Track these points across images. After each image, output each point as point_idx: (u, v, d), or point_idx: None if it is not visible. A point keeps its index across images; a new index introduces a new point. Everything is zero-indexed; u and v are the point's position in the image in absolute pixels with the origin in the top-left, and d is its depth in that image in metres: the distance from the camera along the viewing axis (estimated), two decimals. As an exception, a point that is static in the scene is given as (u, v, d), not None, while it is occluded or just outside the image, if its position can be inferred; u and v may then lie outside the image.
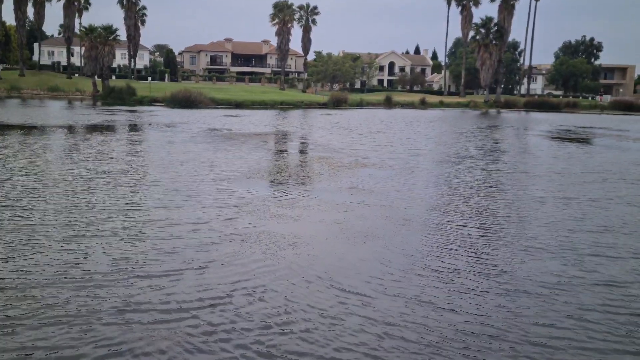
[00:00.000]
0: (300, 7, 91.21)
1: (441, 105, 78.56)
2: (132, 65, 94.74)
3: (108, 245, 8.68)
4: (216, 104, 59.88)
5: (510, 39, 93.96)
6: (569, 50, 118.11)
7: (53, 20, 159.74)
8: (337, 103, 69.69)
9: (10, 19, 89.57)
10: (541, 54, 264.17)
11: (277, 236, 9.57)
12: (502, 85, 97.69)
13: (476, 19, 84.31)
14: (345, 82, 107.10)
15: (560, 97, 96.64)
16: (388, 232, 10.17)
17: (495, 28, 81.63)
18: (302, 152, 23.74)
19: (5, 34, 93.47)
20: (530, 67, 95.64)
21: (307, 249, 8.93)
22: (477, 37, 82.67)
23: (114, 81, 72.80)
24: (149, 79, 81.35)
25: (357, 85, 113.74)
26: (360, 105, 72.04)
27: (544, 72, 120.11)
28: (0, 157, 17.62)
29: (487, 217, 11.79)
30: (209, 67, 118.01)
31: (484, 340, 6.01)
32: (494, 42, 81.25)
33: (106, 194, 12.58)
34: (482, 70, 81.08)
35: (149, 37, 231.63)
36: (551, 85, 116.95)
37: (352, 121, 43.02)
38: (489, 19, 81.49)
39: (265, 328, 6.09)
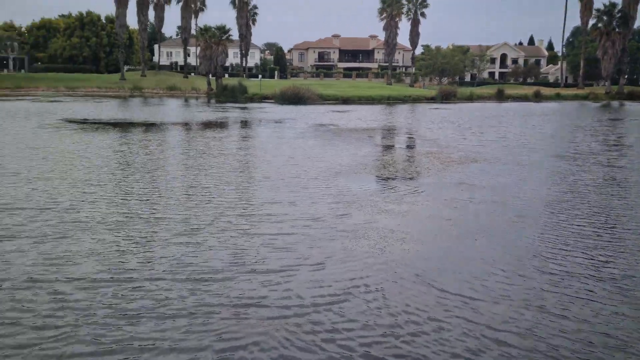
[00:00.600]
0: (409, 0, 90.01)
1: (557, 97, 74.74)
2: (244, 64, 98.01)
3: (223, 240, 8.99)
4: (323, 99, 60.64)
5: (635, 25, 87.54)
6: None
7: (171, 23, 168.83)
8: (446, 97, 68.25)
9: (133, 23, 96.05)
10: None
11: (386, 232, 9.56)
12: (626, 76, 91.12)
13: (597, 5, 79.49)
14: (455, 75, 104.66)
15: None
16: (499, 230, 9.86)
17: (619, 14, 76.44)
18: (410, 147, 23.51)
19: (129, 37, 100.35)
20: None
21: (416, 246, 8.85)
22: (599, 25, 77.75)
23: (226, 79, 75.80)
24: (259, 76, 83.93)
25: (467, 78, 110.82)
26: (470, 98, 70.08)
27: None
28: (122, 153, 18.92)
29: (607, 217, 11.09)
30: (317, 63, 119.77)
31: (601, 351, 5.62)
32: (617, 29, 76.12)
33: (219, 189, 13.15)
34: (604, 60, 76.20)
35: (259, 35, 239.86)
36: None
37: (461, 115, 41.98)
38: (612, 5, 76.49)
39: (383, 327, 6.12)
